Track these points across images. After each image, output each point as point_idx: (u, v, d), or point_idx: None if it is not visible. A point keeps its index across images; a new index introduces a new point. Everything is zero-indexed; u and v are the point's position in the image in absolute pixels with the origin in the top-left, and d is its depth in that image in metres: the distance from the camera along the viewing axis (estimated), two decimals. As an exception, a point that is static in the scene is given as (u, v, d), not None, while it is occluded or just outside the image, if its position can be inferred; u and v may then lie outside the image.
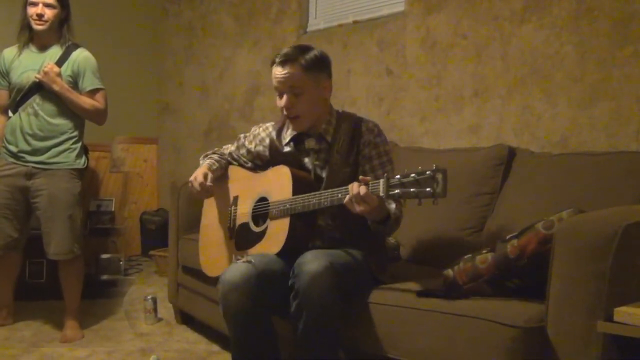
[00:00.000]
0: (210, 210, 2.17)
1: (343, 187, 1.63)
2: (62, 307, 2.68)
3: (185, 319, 2.80)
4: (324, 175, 1.87)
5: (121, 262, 3.69)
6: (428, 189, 1.43)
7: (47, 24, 2.52)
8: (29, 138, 2.53)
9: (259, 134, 2.07)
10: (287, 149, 1.96)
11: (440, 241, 2.15)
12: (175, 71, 4.42)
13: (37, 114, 2.53)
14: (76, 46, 2.61)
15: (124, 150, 4.38)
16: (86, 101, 2.57)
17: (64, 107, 2.55)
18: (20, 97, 2.55)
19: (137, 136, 4.46)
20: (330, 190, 1.69)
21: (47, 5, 2.51)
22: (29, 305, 3.00)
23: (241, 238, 1.96)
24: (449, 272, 1.69)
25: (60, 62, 2.54)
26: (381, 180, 1.53)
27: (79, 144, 2.61)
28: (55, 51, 2.57)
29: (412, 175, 1.47)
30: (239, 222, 1.99)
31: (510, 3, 2.44)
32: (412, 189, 1.46)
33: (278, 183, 1.86)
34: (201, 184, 1.96)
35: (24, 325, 2.75)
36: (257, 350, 1.72)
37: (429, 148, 2.64)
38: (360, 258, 1.80)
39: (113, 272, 3.64)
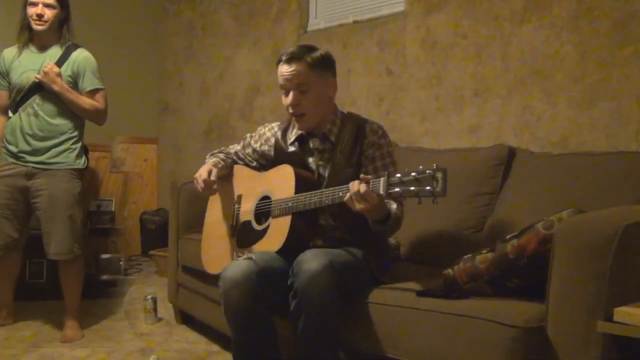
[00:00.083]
0: (214, 208, 2.19)
1: (344, 186, 1.64)
2: (62, 307, 2.68)
3: (185, 318, 2.80)
4: (326, 175, 1.88)
5: (121, 262, 3.69)
6: (428, 188, 1.44)
7: (47, 24, 2.52)
8: (29, 138, 2.53)
9: (264, 133, 2.08)
10: (291, 148, 1.97)
11: (440, 241, 2.15)
12: (175, 71, 4.42)
13: (37, 114, 2.53)
14: (76, 46, 2.61)
15: (124, 150, 4.38)
16: (86, 101, 2.57)
17: (64, 107, 2.55)
18: (20, 97, 2.55)
19: (137, 136, 4.46)
20: (331, 188, 1.69)
21: (47, 5, 2.50)
22: (29, 305, 3.00)
23: (243, 236, 1.97)
24: (449, 272, 1.69)
25: (60, 62, 2.54)
26: (381, 179, 1.54)
27: (79, 144, 2.61)
28: (55, 51, 2.57)
29: (413, 174, 1.48)
30: (241, 220, 2.00)
31: (510, 3, 2.44)
32: (412, 188, 1.47)
33: (281, 182, 1.87)
34: (205, 180, 1.96)
35: (24, 325, 2.75)
36: (257, 348, 1.72)
37: (429, 148, 2.64)
38: (360, 257, 1.81)
39: (113, 272, 3.65)
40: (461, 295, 1.61)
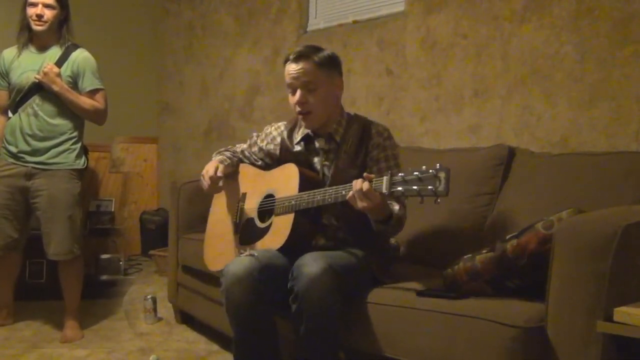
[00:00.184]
0: (218, 206, 2.19)
1: (347, 184, 1.64)
2: (62, 307, 2.68)
3: (185, 318, 2.81)
4: (330, 174, 1.89)
5: (121, 263, 3.69)
6: (430, 187, 1.44)
7: (47, 24, 2.52)
8: (28, 138, 2.53)
9: (270, 132, 2.09)
10: (297, 148, 1.98)
11: (440, 241, 2.15)
12: (175, 71, 4.42)
13: (36, 115, 2.53)
14: (76, 46, 2.61)
15: (124, 150, 4.38)
16: (86, 101, 2.57)
17: (64, 107, 2.55)
18: (20, 97, 2.55)
19: (137, 136, 4.46)
20: (334, 187, 1.70)
21: (46, 5, 2.50)
22: (29, 305, 3.00)
23: (246, 233, 1.97)
24: (449, 272, 1.69)
25: (59, 63, 2.54)
26: (384, 177, 1.54)
27: (79, 145, 2.61)
28: (55, 52, 2.57)
29: (415, 173, 1.48)
30: (245, 217, 2.01)
31: (510, 3, 2.44)
32: (414, 187, 1.47)
33: (285, 180, 1.88)
34: (211, 177, 1.97)
35: (24, 326, 2.75)
36: (258, 346, 1.73)
37: (429, 148, 2.64)
38: (361, 258, 1.81)
39: (113, 273, 3.65)
40: (461, 295, 1.61)
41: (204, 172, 2.01)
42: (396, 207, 1.78)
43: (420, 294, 1.66)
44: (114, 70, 3.62)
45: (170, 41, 4.44)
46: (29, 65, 2.55)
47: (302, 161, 1.94)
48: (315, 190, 1.75)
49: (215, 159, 2.11)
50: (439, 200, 1.45)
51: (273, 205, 1.89)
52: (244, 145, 2.19)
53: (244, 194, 2.07)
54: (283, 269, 1.71)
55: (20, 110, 2.55)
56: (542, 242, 1.50)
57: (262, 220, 1.95)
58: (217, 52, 4.04)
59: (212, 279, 2.31)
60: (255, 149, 2.14)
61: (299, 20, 3.44)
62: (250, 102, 3.81)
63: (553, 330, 1.39)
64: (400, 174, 1.52)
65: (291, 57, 1.87)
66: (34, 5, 2.49)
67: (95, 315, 2.89)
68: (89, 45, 2.70)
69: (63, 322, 2.64)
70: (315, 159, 1.95)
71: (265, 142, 2.10)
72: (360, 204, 1.59)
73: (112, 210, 3.99)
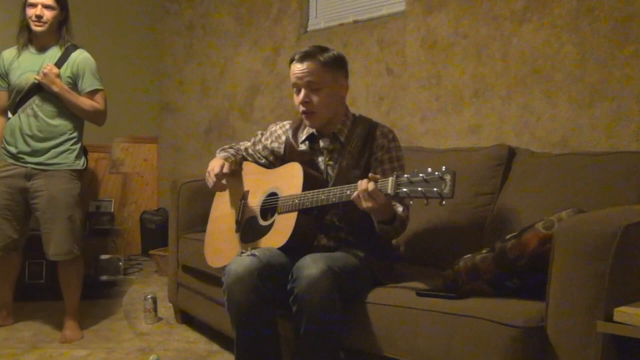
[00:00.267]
0: (220, 203, 2.20)
1: (352, 184, 1.65)
2: (61, 308, 2.68)
3: (185, 318, 2.80)
4: (334, 174, 1.90)
5: (120, 263, 3.69)
6: (435, 189, 1.45)
7: (46, 25, 2.52)
8: (28, 139, 2.53)
9: (275, 131, 2.10)
10: (302, 147, 1.98)
11: (440, 241, 2.15)
12: (175, 70, 4.42)
13: (36, 115, 2.53)
14: (75, 47, 2.61)
15: (124, 150, 4.38)
16: (85, 102, 2.57)
17: (64, 108, 2.55)
18: (20, 98, 2.54)
19: (137, 135, 4.46)
20: (339, 187, 1.70)
21: (46, 6, 2.50)
22: (29, 305, 3.00)
23: (248, 231, 1.98)
24: (449, 272, 1.69)
25: (59, 63, 2.53)
26: (390, 179, 1.55)
27: (79, 145, 2.61)
28: (55, 52, 2.57)
29: (421, 175, 1.49)
30: (247, 215, 2.01)
31: (510, 3, 2.44)
32: (419, 188, 1.48)
33: (289, 179, 1.88)
34: (217, 174, 1.97)
35: (23, 326, 2.75)
36: (259, 345, 1.73)
37: (429, 148, 2.64)
38: (362, 259, 1.81)
39: (112, 273, 3.64)
40: (461, 295, 1.61)
41: (209, 169, 2.01)
42: (399, 208, 1.79)
43: (420, 294, 1.66)
44: (113, 70, 3.62)
45: (170, 41, 4.44)
46: (29, 66, 2.54)
47: (307, 160, 1.94)
48: (320, 190, 1.75)
49: (220, 156, 2.11)
50: (444, 203, 1.46)
51: (276, 204, 1.89)
52: (248, 143, 2.19)
53: (247, 192, 2.07)
54: (284, 268, 1.71)
55: (19, 111, 2.55)
56: (542, 242, 1.50)
57: (264, 218, 1.95)
58: (217, 52, 4.04)
59: (212, 278, 2.32)
60: (259, 147, 2.14)
61: (299, 20, 3.44)
62: (250, 101, 3.81)
63: (553, 330, 1.39)
64: (405, 176, 1.52)
65: (297, 56, 1.88)
66: (34, 6, 2.49)
67: (95, 316, 2.88)
68: (89, 45, 2.70)
69: (63, 322, 2.63)
70: (320, 159, 1.96)
71: (269, 141, 2.10)
72: (365, 204, 1.59)
73: (112, 210, 3.99)
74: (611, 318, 1.29)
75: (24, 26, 2.56)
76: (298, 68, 1.86)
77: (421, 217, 2.14)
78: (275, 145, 2.08)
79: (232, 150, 2.16)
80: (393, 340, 1.64)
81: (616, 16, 2.13)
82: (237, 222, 2.04)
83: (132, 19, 4.41)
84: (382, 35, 2.96)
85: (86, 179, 3.36)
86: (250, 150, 2.17)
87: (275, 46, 3.59)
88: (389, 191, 1.54)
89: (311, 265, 1.60)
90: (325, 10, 3.37)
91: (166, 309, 2.92)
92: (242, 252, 1.73)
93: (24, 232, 2.65)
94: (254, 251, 1.72)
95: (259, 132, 2.17)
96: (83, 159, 2.63)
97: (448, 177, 1.44)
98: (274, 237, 1.84)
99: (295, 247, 1.76)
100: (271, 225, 1.88)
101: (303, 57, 1.86)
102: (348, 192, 1.66)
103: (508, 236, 1.60)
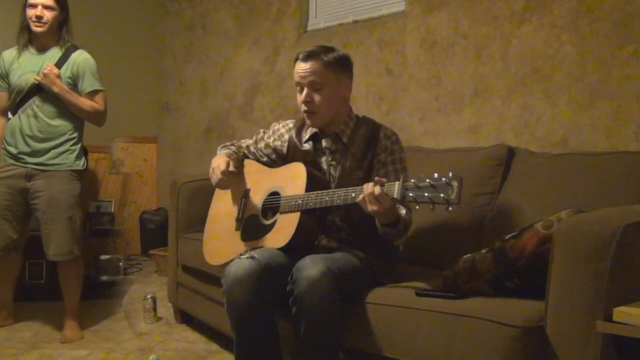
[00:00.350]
0: (220, 200, 2.18)
1: (358, 187, 1.65)
2: (61, 308, 2.68)
3: (185, 318, 2.81)
4: (337, 175, 1.90)
5: (120, 264, 3.69)
6: (442, 195, 1.45)
7: (46, 26, 2.52)
8: (28, 139, 2.53)
9: (278, 129, 2.10)
10: (305, 146, 1.98)
11: (440, 241, 2.15)
12: (175, 70, 4.42)
13: (36, 116, 2.53)
14: (75, 48, 2.61)
15: (124, 150, 4.38)
16: (85, 103, 2.57)
17: (64, 108, 2.55)
18: (20, 98, 2.55)
19: (137, 135, 4.46)
20: (344, 189, 1.70)
21: (46, 7, 2.50)
22: (29, 306, 3.00)
23: (248, 229, 1.97)
24: (449, 272, 1.69)
25: (59, 64, 2.54)
26: (397, 183, 1.54)
27: (79, 146, 2.61)
28: (55, 53, 2.57)
29: (428, 180, 1.48)
30: (248, 213, 2.00)
31: (510, 3, 2.43)
32: (426, 194, 1.48)
33: (292, 179, 1.88)
34: (223, 172, 1.96)
35: (23, 326, 2.75)
36: (259, 347, 1.73)
37: (429, 148, 2.64)
38: (362, 259, 1.81)
39: (112, 273, 3.64)
40: (460, 295, 1.61)
41: (214, 165, 2.00)
42: (403, 211, 1.78)
43: (419, 294, 1.66)
44: (113, 70, 3.62)
45: (170, 41, 4.44)
46: (29, 66, 2.55)
47: (310, 160, 1.94)
48: (324, 191, 1.75)
49: (223, 153, 2.10)
50: (450, 209, 1.46)
51: (278, 203, 1.89)
52: (249, 141, 2.18)
53: (248, 190, 2.06)
54: (283, 269, 1.71)
55: (20, 111, 2.55)
56: (541, 242, 1.50)
57: (265, 217, 1.94)
58: (217, 52, 4.04)
59: (211, 278, 2.32)
60: (261, 144, 2.13)
61: (299, 20, 3.44)
62: (250, 101, 3.81)
63: (552, 330, 1.39)
64: (412, 180, 1.52)
65: (301, 55, 1.88)
66: (34, 6, 2.49)
67: (95, 316, 2.89)
68: (89, 46, 2.70)
69: (63, 322, 2.64)
70: (323, 159, 1.96)
71: (272, 139, 2.10)
72: (371, 207, 1.59)
73: (112, 211, 3.99)
74: (610, 318, 1.29)
75: (24, 27, 2.57)
76: (302, 67, 1.87)
77: (421, 217, 2.14)
78: (278, 143, 2.08)
79: (233, 148, 2.16)
80: (393, 340, 1.64)
81: (616, 16, 2.13)
82: (238, 220, 2.03)
83: (132, 19, 4.41)
84: (382, 35, 2.96)
85: (86, 179, 3.36)
86: (251, 148, 2.16)
87: (275, 46, 3.59)
88: (395, 195, 1.54)
89: (311, 266, 1.60)
90: (325, 10, 3.37)
91: (166, 309, 2.92)
92: (241, 255, 1.73)
93: (24, 232, 2.65)
94: (253, 253, 1.71)
95: (261, 130, 2.17)
96: (83, 159, 2.63)
97: (455, 184, 1.45)
98: (276, 236, 1.83)
99: (297, 247, 1.76)
100: (273, 224, 1.88)
101: (307, 57, 1.86)
102: (353, 194, 1.65)
103: (507, 236, 1.60)
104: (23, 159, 2.54)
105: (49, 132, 2.54)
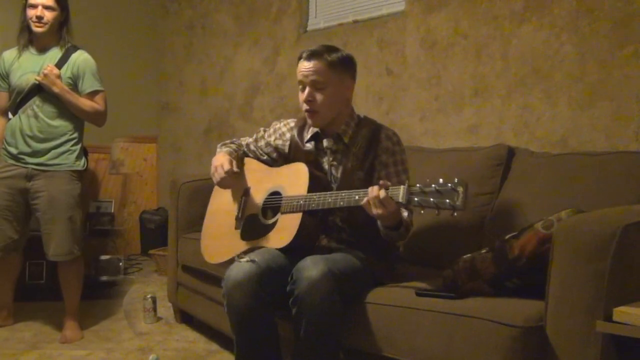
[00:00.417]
0: (219, 198, 2.17)
1: (361, 190, 1.64)
2: (61, 308, 2.68)
3: (185, 318, 2.81)
4: (338, 175, 1.89)
5: (120, 264, 3.69)
6: (448, 201, 1.45)
7: (47, 26, 2.52)
8: (28, 140, 2.53)
9: (279, 128, 2.09)
10: (307, 146, 1.98)
11: (440, 241, 2.15)
12: (175, 70, 4.42)
13: (36, 116, 2.53)
14: (75, 48, 2.61)
15: (124, 150, 4.38)
16: (86, 103, 2.57)
17: (64, 109, 2.55)
18: (20, 99, 2.55)
19: (137, 135, 4.46)
20: (348, 191, 1.69)
21: (46, 7, 2.50)
22: (29, 306, 3.00)
23: (248, 229, 1.96)
24: (449, 272, 1.69)
25: (59, 64, 2.54)
26: (402, 187, 1.54)
27: (79, 146, 2.61)
28: (55, 53, 2.57)
29: (433, 185, 1.48)
30: (247, 212, 1.99)
31: (510, 3, 2.44)
32: (431, 199, 1.48)
33: (294, 179, 1.87)
34: (227, 171, 1.95)
35: (23, 326, 2.75)
36: (259, 348, 1.73)
37: (429, 148, 2.64)
38: (362, 260, 1.81)
39: (112, 273, 3.64)
40: (460, 295, 1.61)
41: (216, 164, 1.99)
42: (405, 214, 1.78)
43: (419, 294, 1.66)
44: (113, 70, 3.62)
45: (170, 41, 4.44)
46: (29, 66, 2.55)
47: (312, 160, 1.94)
48: (328, 193, 1.74)
49: (223, 151, 2.09)
50: (455, 214, 1.46)
51: (279, 203, 1.88)
52: (250, 139, 2.17)
53: (248, 189, 2.05)
54: (283, 270, 1.71)
55: (20, 111, 2.55)
56: (541, 242, 1.50)
57: (265, 216, 1.94)
58: (217, 52, 4.04)
59: (211, 278, 2.32)
60: (261, 143, 2.12)
61: (299, 19, 3.44)
62: (250, 101, 3.81)
63: (552, 330, 1.39)
64: (418, 185, 1.52)
65: (304, 54, 1.88)
66: (34, 7, 2.49)
67: (95, 316, 2.89)
68: (89, 46, 2.70)
69: (63, 322, 2.64)
70: (324, 159, 1.95)
71: (273, 138, 2.09)
72: (375, 211, 1.59)
73: (112, 211, 3.99)
74: (610, 318, 1.29)
75: (25, 27, 2.57)
76: (305, 66, 1.86)
77: (421, 217, 2.13)
78: (279, 142, 2.07)
79: (233, 146, 2.15)
80: (393, 340, 1.64)
81: (616, 16, 2.13)
82: (237, 219, 2.02)
83: (132, 19, 4.41)
84: (381, 35, 2.96)
85: (86, 179, 3.36)
86: (252, 147, 2.15)
87: (275, 46, 3.59)
88: (401, 199, 1.54)
89: (311, 267, 1.60)
90: (325, 10, 3.37)
91: (166, 309, 2.92)
92: (241, 258, 1.73)
93: (24, 232, 2.65)
94: (253, 257, 1.71)
95: (262, 129, 2.16)
96: (83, 159, 2.63)
97: (461, 189, 1.45)
98: (277, 236, 1.83)
99: (297, 247, 1.75)
100: (274, 224, 1.87)
101: (310, 56, 1.86)
102: (357, 197, 1.65)
103: (507, 236, 1.60)
104: (23, 159, 2.54)
105: (49, 133, 2.54)
